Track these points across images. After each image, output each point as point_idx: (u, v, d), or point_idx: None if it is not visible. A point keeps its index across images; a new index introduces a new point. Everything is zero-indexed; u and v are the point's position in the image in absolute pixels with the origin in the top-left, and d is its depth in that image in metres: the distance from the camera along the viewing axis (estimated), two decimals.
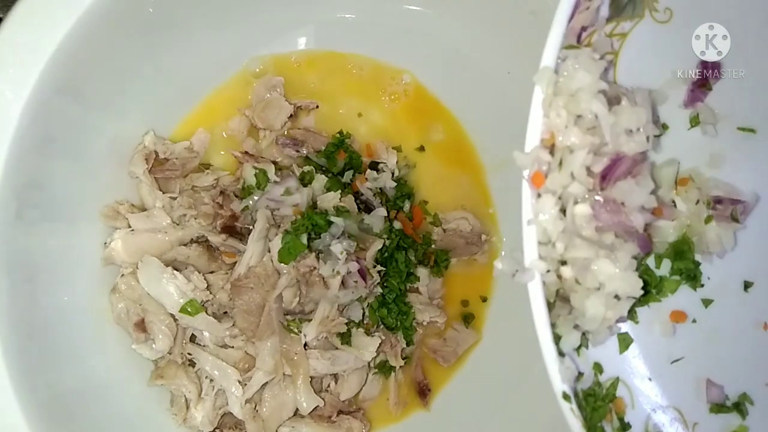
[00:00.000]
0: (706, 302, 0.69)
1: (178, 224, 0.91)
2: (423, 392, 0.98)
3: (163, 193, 0.93)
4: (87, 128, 0.86)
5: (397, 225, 0.97)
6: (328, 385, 0.94)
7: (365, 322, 0.92)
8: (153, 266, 0.87)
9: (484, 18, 0.96)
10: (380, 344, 0.91)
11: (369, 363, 0.94)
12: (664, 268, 0.69)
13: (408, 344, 0.97)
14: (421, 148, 1.04)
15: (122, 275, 0.90)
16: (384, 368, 0.97)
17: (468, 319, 1.02)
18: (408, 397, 0.99)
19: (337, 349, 0.91)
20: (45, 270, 0.82)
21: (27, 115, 0.75)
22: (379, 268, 0.92)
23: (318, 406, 0.89)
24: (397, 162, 1.01)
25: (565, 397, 0.61)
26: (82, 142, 0.86)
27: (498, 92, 0.98)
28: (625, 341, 0.68)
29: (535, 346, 0.95)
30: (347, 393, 0.94)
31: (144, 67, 0.91)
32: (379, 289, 0.92)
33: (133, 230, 0.89)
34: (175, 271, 0.87)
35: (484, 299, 1.02)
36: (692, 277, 0.69)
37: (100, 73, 0.84)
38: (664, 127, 0.69)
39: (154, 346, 0.88)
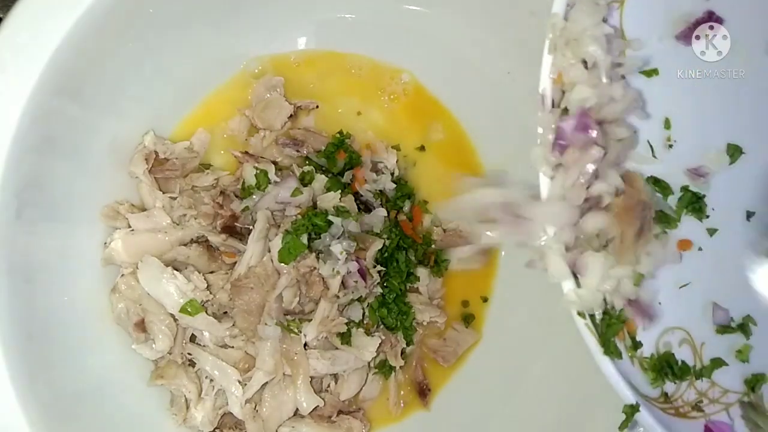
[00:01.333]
0: (711, 231, 0.73)
1: (178, 224, 0.91)
2: (423, 392, 0.98)
3: (163, 193, 0.93)
4: (87, 128, 0.86)
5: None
6: (328, 385, 0.94)
7: (365, 322, 0.92)
8: (153, 266, 0.87)
9: (484, 18, 0.96)
10: (380, 344, 0.91)
11: (369, 363, 0.94)
12: (671, 201, 0.73)
13: (408, 344, 0.97)
14: (421, 148, 1.04)
15: (122, 275, 0.89)
16: (384, 368, 0.96)
17: (468, 319, 1.02)
18: (408, 397, 0.99)
19: (337, 349, 0.91)
20: (45, 270, 0.82)
21: (27, 115, 0.74)
22: (379, 268, 0.92)
23: (318, 406, 0.89)
24: (397, 161, 1.01)
25: (580, 314, 0.65)
26: (82, 142, 0.85)
27: (498, 92, 0.98)
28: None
29: (535, 346, 0.96)
30: (347, 393, 0.93)
31: (144, 67, 0.90)
32: (379, 289, 0.92)
33: (133, 230, 0.89)
34: (175, 271, 0.87)
35: (484, 299, 1.02)
36: (697, 209, 0.72)
37: (100, 73, 0.84)
38: (654, 72, 0.71)
39: (154, 346, 0.88)
